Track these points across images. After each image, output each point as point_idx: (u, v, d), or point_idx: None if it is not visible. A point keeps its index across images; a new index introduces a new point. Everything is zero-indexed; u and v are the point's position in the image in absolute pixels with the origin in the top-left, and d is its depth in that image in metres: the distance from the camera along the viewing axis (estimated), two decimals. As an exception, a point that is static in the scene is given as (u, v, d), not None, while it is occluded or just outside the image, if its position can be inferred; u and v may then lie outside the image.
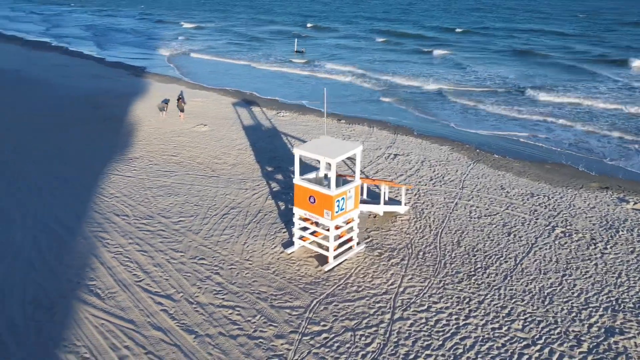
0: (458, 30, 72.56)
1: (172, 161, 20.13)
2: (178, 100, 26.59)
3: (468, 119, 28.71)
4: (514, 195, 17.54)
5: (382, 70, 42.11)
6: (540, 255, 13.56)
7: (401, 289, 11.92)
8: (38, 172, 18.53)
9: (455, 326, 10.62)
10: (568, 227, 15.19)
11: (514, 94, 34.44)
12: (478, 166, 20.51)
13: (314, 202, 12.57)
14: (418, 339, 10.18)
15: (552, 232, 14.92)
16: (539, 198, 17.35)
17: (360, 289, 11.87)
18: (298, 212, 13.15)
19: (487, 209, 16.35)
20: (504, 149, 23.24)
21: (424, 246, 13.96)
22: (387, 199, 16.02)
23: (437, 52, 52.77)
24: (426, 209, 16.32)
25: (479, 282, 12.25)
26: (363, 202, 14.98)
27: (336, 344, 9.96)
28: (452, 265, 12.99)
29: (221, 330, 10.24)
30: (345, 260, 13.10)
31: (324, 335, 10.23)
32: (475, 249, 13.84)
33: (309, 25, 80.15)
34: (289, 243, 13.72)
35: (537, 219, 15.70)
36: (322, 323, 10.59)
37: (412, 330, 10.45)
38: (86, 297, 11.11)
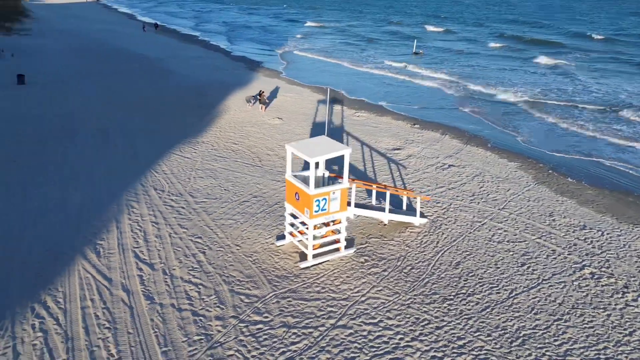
0: (596, 37, 64.31)
1: (230, 148, 21.78)
2: (260, 94, 28.37)
3: (551, 136, 25.78)
4: (559, 224, 15.53)
5: (478, 78, 39.75)
6: (544, 293, 12.00)
7: (363, 298, 11.62)
8: (120, 142, 21.57)
9: (393, 346, 10.10)
10: (602, 270, 13.08)
11: (610, 113, 29.95)
12: (538, 188, 18.45)
13: (299, 199, 12.82)
14: (347, 349, 9.94)
15: (578, 270, 13.00)
16: (589, 232, 15.12)
17: (322, 291, 11.86)
18: (288, 207, 13.52)
19: (514, 235, 14.79)
20: (583, 172, 20.43)
21: (416, 261, 13.27)
22: (404, 208, 15.50)
23: (548, 60, 48.10)
24: (446, 224, 15.35)
25: (451, 308, 11.35)
26: (368, 207, 14.70)
27: (264, 336, 10.23)
28: (434, 286, 12.19)
29: (174, 302, 11.19)
30: (327, 261, 13.12)
31: (259, 326, 10.55)
32: (471, 274, 12.74)
33: (430, 27, 78.07)
34: (283, 236, 14.15)
35: (568, 254, 13.78)
36: (264, 314, 10.91)
37: (346, 340, 10.22)
38: (88, 254, 12.96)
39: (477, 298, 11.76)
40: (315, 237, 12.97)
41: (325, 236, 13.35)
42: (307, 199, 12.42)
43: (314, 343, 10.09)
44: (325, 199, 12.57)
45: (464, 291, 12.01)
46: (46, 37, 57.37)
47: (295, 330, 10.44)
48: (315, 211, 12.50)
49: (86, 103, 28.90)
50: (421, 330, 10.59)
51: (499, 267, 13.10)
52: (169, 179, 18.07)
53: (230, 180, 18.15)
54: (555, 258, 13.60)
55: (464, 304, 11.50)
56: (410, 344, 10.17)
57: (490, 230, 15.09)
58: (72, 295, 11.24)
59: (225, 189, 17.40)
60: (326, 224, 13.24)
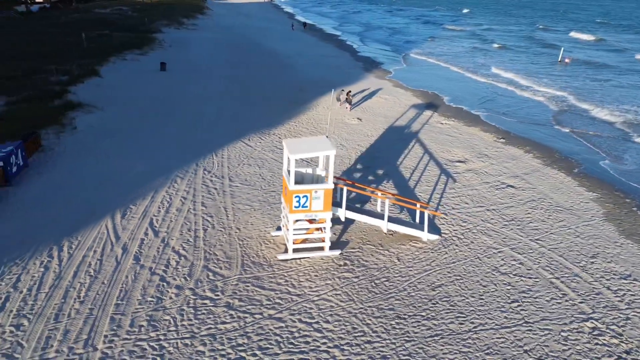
0: None
1: (294, 142, 22.88)
2: (347, 93, 28.88)
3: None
4: (595, 268, 13.31)
5: (603, 96, 34.17)
6: (515, 337, 10.65)
7: (316, 298, 11.70)
8: (206, 125, 24.22)
9: (312, 348, 10.10)
10: (610, 327, 11.03)
11: None
12: (601, 225, 15.87)
13: (286, 194, 13.31)
14: (266, 340, 10.26)
15: (578, 322, 11.17)
16: (629, 283, 12.72)
17: (283, 283, 12.24)
18: (282, 201, 14.07)
19: (528, 270, 13.15)
20: (677, 216, 16.83)
21: (396, 275, 12.75)
22: (418, 220, 14.88)
23: None
24: (457, 245, 14.30)
25: (397, 327, 10.80)
26: (366, 212, 14.44)
27: (203, 311, 11.08)
28: (396, 302, 11.66)
29: (152, 266, 12.68)
30: (308, 257, 13.38)
31: (206, 301, 11.43)
32: (445, 299, 11.84)
33: (578, 34, 69.01)
34: (280, 228, 14.74)
35: (580, 302, 11.85)
36: (217, 293, 11.75)
37: (272, 332, 10.52)
38: (116, 214, 15.24)
39: (433, 323, 10.96)
40: (297, 232, 13.34)
41: (309, 232, 13.61)
42: (288, 194, 12.86)
43: (241, 327, 10.64)
44: (306, 196, 12.85)
45: (423, 314, 11.28)
46: (206, 32, 65.42)
47: (232, 312, 11.09)
48: (295, 207, 12.87)
49: (206, 89, 32.78)
50: (350, 340, 10.36)
51: (482, 299, 11.91)
52: (221, 163, 19.90)
53: (272, 171, 19.25)
54: (559, 303, 11.82)
55: (414, 327, 10.84)
56: (329, 350, 10.07)
57: (503, 259, 13.64)
58: (83, 245, 13.49)
59: (262, 178, 18.56)
60: (311, 221, 13.47)
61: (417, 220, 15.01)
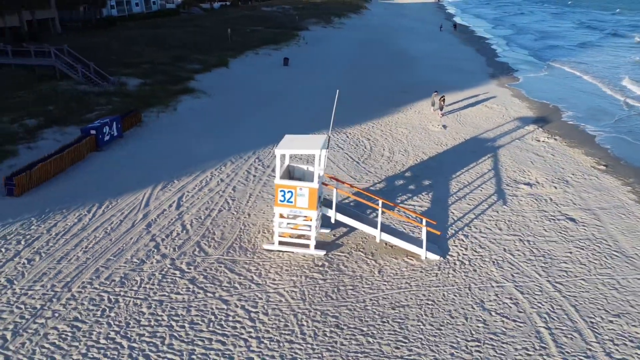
0: None
1: (357, 142, 22.83)
2: (440, 98, 27.43)
3: None
4: (609, 330, 11.00)
5: None
6: (448, 376, 9.55)
7: (271, 291, 11.96)
8: (291, 118, 25.58)
9: (227, 330, 10.48)
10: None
11: None
12: (661, 281, 12.86)
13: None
14: (201, 316, 10.94)
15: (537, 380, 9.50)
16: (645, 355, 10.28)
17: (252, 270, 12.73)
18: (282, 194, 14.47)
19: (518, 312, 11.46)
20: None
21: (365, 287, 12.26)
22: (423, 236, 14.01)
23: None
24: (455, 271, 13.06)
25: (327, 335, 10.52)
26: (360, 217, 13.97)
27: (168, 281, 12.19)
28: (345, 312, 11.30)
29: (156, 234, 14.26)
30: (291, 252, 13.62)
31: (177, 272, 12.54)
32: (398, 320, 11.06)
33: None
34: (285, 220, 15.16)
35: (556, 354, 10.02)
36: (190, 267, 12.77)
37: (210, 308, 11.15)
38: (159, 186, 17.33)
39: (367, 341, 10.39)
40: (281, 226, 13.67)
41: (295, 228, 13.80)
42: (275, 188, 13.27)
43: (188, 300, 11.50)
44: (291, 192, 13.10)
45: (364, 329, 10.75)
46: (350, 31, 67.37)
47: (191, 286, 12.02)
48: (280, 200, 13.21)
49: (313, 84, 34.44)
50: (275, 335, 10.46)
51: (440, 330, 10.83)
52: (267, 154, 20.96)
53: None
54: (529, 356, 10.12)
55: (345, 339, 10.43)
56: (249, 339, 10.34)
57: (497, 295, 12.07)
58: (116, 207, 15.78)
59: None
60: (297, 217, 13.64)
61: (424, 236, 14.02)
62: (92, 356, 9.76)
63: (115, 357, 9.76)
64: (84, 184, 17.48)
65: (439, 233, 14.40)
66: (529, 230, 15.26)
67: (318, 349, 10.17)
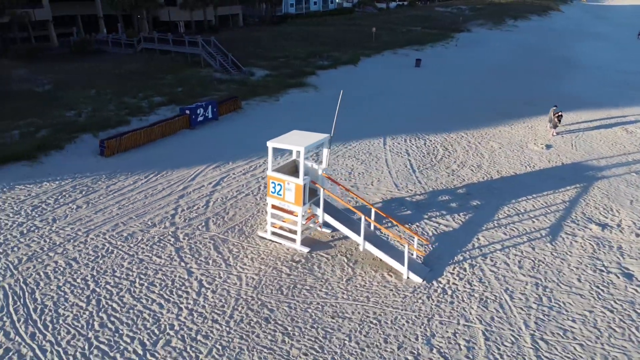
0: None
1: (432, 150, 21.50)
2: (555, 115, 23.79)
3: None
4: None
5: None
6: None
7: (233, 273, 12.56)
8: (379, 116, 25.40)
9: (172, 300, 11.42)
10: None
11: None
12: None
13: None
14: (160, 281, 12.15)
15: None
16: None
17: (233, 252, 13.48)
18: (289, 187, 14.79)
19: (464, 357, 9.95)
20: None
21: (319, 290, 12.00)
22: (406, 251, 13.04)
23: None
24: (426, 298, 11.84)
25: (249, 325, 10.77)
26: (347, 221, 13.44)
27: (160, 246, 13.71)
28: (285, 308, 11.30)
29: (180, 205, 15.99)
30: (279, 243, 13.95)
31: (171, 240, 13.99)
32: (327, 329, 10.65)
33: None
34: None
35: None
36: (184, 238, 14.11)
37: (171, 275, 12.27)
38: (211, 166, 19.13)
39: (282, 340, 10.31)
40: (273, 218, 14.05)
41: (285, 221, 14.02)
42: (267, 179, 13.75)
43: (160, 264, 12.82)
44: (280, 185, 13.41)
45: (288, 329, 10.64)
46: (519, 34, 61.53)
47: (173, 254, 13.32)
48: (272, 192, 13.63)
49: (432, 87, 33.24)
50: (202, 311, 11.10)
51: (363, 352, 10.09)
52: (332, 151, 21.15)
53: (368, 170, 19.28)
54: (440, 405, 8.84)
55: (264, 331, 10.51)
56: (178, 313, 11.17)
57: (454, 333, 10.62)
58: (169, 177, 18.04)
59: (349, 171, 18.97)
60: (286, 211, 13.81)
61: (406, 254, 12.73)
62: (63, 290, 11.80)
63: (78, 294, 11.63)
64: (159, 154, 20.34)
65: (422, 254, 13.10)
66: (558, 276, 12.79)
67: (233, 334, 10.51)
